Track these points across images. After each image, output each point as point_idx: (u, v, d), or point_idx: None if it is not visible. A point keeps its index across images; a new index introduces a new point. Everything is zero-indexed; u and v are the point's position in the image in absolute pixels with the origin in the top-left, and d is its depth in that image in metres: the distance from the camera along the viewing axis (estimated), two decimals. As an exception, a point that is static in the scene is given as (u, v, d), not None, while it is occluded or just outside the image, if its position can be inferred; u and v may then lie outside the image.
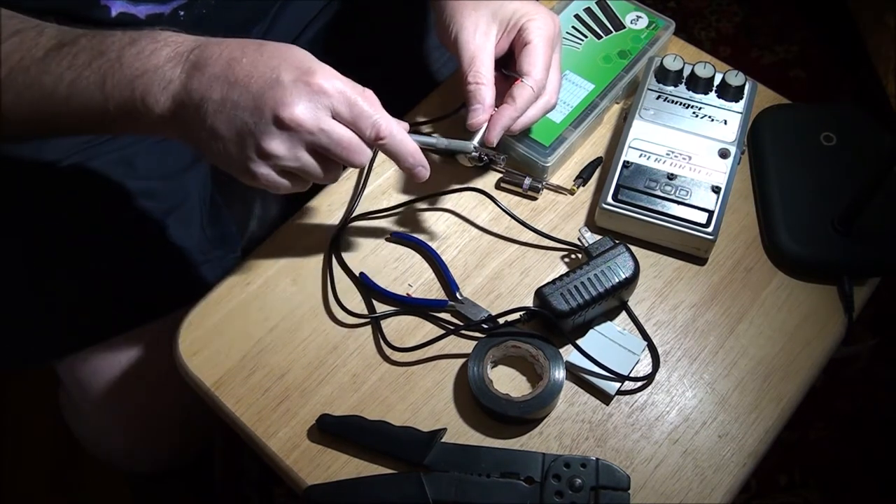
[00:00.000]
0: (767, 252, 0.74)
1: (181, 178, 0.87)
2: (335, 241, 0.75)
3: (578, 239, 0.73)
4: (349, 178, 0.78)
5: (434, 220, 0.76)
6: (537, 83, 0.70)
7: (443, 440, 0.64)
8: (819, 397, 1.30)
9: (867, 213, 0.70)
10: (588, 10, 0.85)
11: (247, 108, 0.56)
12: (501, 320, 0.69)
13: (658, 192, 0.73)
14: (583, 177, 0.78)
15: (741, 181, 0.78)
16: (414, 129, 0.73)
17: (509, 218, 0.75)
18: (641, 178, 0.73)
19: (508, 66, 0.73)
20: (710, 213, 0.71)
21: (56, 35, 0.61)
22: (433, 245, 0.75)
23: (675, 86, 0.78)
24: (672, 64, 0.78)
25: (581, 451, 0.65)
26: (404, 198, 0.77)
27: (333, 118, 0.59)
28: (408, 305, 0.72)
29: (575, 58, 0.81)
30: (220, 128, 0.57)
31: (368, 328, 0.71)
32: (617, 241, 0.70)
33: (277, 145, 0.57)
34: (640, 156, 0.75)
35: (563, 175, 0.79)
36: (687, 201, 0.72)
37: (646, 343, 0.69)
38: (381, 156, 0.79)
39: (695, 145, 0.75)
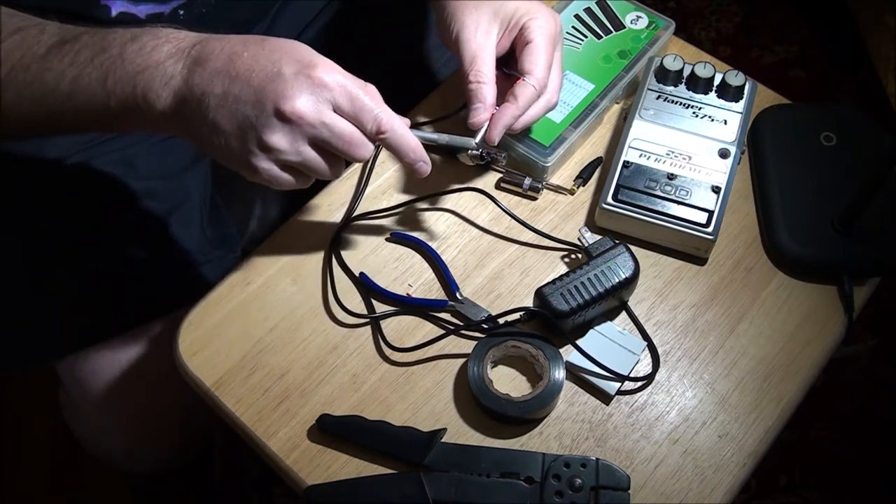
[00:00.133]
0: (767, 252, 0.74)
1: (181, 178, 0.87)
2: (335, 240, 0.75)
3: (578, 239, 0.73)
4: (349, 177, 0.78)
5: (434, 220, 0.76)
6: (539, 82, 0.70)
7: (443, 440, 0.64)
8: (819, 397, 1.30)
9: (867, 213, 0.70)
10: (588, 10, 0.85)
11: (248, 102, 0.56)
12: (501, 320, 0.69)
13: (658, 192, 0.73)
14: (583, 177, 0.78)
15: (741, 181, 0.78)
16: (415, 126, 0.73)
17: (509, 218, 0.75)
18: (641, 178, 0.73)
19: (510, 65, 0.73)
20: (710, 213, 0.71)
21: (57, 32, 0.61)
22: (433, 245, 0.75)
23: (675, 86, 0.78)
24: (672, 64, 0.78)
25: (581, 451, 0.65)
26: (404, 197, 0.77)
27: (335, 112, 0.59)
28: (408, 305, 0.72)
29: (575, 58, 0.81)
30: (221, 122, 0.57)
31: (368, 328, 0.71)
32: (617, 241, 0.70)
33: (279, 139, 0.57)
34: (640, 156, 0.75)
35: (563, 175, 0.79)
36: (687, 201, 0.72)
37: (646, 343, 0.69)
38: (380, 156, 0.80)
39: (695, 145, 0.75)
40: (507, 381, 0.68)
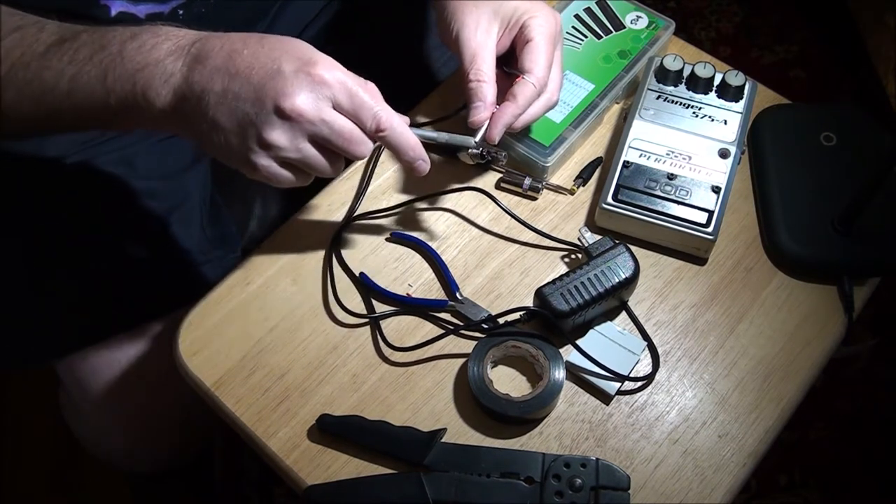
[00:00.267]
0: (767, 252, 0.74)
1: (181, 178, 0.87)
2: (335, 240, 0.75)
3: (578, 239, 0.73)
4: (349, 177, 0.78)
5: (434, 220, 0.76)
6: (539, 80, 0.70)
7: (443, 440, 0.64)
8: (819, 397, 1.30)
9: (867, 213, 0.70)
10: (588, 10, 0.85)
11: (248, 99, 0.56)
12: (501, 320, 0.69)
13: (658, 192, 0.73)
14: (583, 177, 0.78)
15: (741, 181, 0.78)
16: (414, 125, 0.73)
17: (509, 218, 0.75)
18: (641, 178, 0.73)
19: (510, 64, 0.73)
20: (710, 213, 0.71)
21: (57, 31, 0.61)
22: (433, 245, 0.74)
23: (675, 86, 0.78)
24: (672, 64, 0.78)
25: (581, 451, 0.65)
26: (404, 197, 0.77)
27: (334, 109, 0.59)
28: (408, 305, 0.72)
29: (575, 58, 0.81)
30: (221, 119, 0.57)
31: (368, 328, 0.71)
32: (617, 241, 0.70)
33: (279, 136, 0.57)
34: (640, 156, 0.74)
35: (563, 175, 0.79)
36: (687, 201, 0.72)
37: (646, 343, 0.69)
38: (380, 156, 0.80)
39: (695, 145, 0.75)
40: (507, 381, 0.68)
